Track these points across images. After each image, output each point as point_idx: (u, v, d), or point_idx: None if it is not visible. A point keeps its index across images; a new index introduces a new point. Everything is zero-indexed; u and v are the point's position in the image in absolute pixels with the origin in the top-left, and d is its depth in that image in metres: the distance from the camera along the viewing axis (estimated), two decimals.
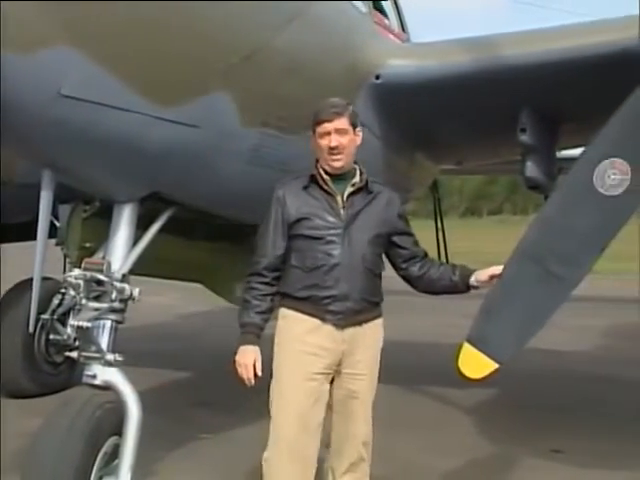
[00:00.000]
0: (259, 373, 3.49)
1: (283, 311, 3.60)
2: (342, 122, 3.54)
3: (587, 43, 5.22)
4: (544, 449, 5.53)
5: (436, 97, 5.77)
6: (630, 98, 3.72)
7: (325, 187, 3.57)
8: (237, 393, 7.14)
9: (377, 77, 5.72)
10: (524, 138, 5.74)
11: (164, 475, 4.90)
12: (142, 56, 3.58)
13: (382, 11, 6.91)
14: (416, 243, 3.81)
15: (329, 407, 3.59)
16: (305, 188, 3.58)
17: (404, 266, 3.78)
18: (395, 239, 3.72)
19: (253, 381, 3.49)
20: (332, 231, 3.50)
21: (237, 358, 3.52)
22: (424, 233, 9.71)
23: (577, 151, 5.60)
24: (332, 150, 3.52)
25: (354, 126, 3.60)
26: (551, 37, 5.69)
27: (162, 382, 7.65)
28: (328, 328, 3.50)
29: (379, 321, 3.70)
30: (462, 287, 3.73)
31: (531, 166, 5.85)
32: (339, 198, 3.56)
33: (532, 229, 3.97)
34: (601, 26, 5.48)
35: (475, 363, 4.22)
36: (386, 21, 6.84)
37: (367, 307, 3.60)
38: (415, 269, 3.76)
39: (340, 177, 3.59)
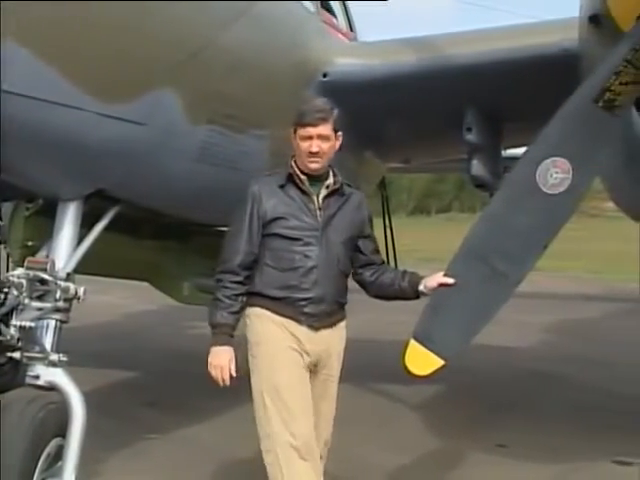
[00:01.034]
0: (234, 374, 3.45)
1: (256, 310, 3.53)
2: (326, 128, 3.52)
3: (530, 44, 5.31)
4: (490, 444, 5.61)
5: (383, 96, 5.80)
6: (570, 98, 3.79)
7: (302, 187, 3.54)
8: (185, 392, 7.20)
9: (324, 75, 5.74)
10: (470, 137, 5.81)
11: (109, 476, 4.85)
12: (87, 53, 3.53)
13: (330, 10, 6.92)
14: (376, 250, 3.80)
15: None
16: (281, 187, 3.54)
17: (359, 271, 3.75)
18: (359, 243, 3.70)
19: (228, 382, 3.45)
20: (309, 232, 3.48)
21: (210, 360, 3.47)
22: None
23: (522, 150, 5.69)
24: (312, 155, 3.49)
25: (335, 131, 3.58)
26: (495, 37, 5.77)
27: (109, 382, 7.57)
28: (304, 330, 3.48)
29: (344, 323, 3.69)
30: (411, 294, 3.72)
31: (477, 165, 5.93)
32: (315, 199, 3.54)
33: (477, 227, 4.01)
34: (543, 27, 5.58)
35: (421, 360, 4.26)
36: (334, 20, 6.85)
37: (338, 309, 3.61)
38: (368, 274, 3.74)
39: (315, 178, 3.57)
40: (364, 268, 3.74)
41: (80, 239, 4.19)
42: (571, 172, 3.74)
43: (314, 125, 3.48)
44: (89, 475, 4.45)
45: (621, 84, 3.66)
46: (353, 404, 6.92)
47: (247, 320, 3.57)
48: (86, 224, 4.26)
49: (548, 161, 3.78)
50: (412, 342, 4.20)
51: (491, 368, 8.55)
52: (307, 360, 3.50)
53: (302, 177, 3.54)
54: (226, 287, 3.50)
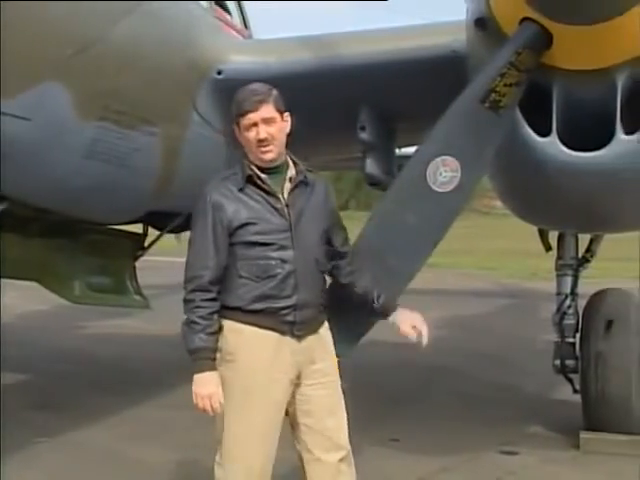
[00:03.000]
0: (222, 401, 3.16)
1: (234, 325, 3.20)
2: (268, 109, 3.20)
3: (421, 45, 5.41)
4: (383, 438, 5.69)
5: None
6: (458, 98, 3.88)
7: (263, 186, 3.20)
8: (76, 394, 7.04)
9: (219, 72, 5.70)
10: (363, 136, 5.87)
11: None
12: None
13: (224, 7, 6.89)
14: (346, 240, 3.50)
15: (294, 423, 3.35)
16: (241, 190, 3.18)
17: (332, 264, 3.43)
18: (331, 235, 3.40)
19: (219, 410, 3.18)
20: (281, 235, 3.18)
21: (195, 389, 3.15)
22: None
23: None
24: (261, 142, 3.17)
25: (280, 111, 3.25)
26: (388, 38, 5.85)
27: None
28: (288, 340, 3.21)
29: (327, 323, 3.42)
30: (380, 316, 3.51)
31: (371, 163, 6.00)
32: (280, 197, 3.21)
33: (370, 224, 4.06)
34: (434, 29, 5.68)
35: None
36: (228, 17, 6.82)
37: (321, 311, 3.34)
38: (342, 274, 3.45)
39: (273, 171, 3.23)
40: (335, 261, 3.43)
41: None
42: (459, 171, 3.82)
43: (254, 110, 3.18)
44: None
45: (505, 85, 3.77)
46: None
47: (220, 336, 3.22)
48: None
49: (437, 160, 3.85)
50: None
51: (387, 363, 8.67)
52: (290, 377, 3.24)
53: (262, 175, 3.20)
54: (199, 307, 3.15)
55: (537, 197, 4.53)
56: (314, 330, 3.29)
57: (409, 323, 3.41)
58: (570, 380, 5.79)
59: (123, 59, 4.49)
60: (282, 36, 6.55)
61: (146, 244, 6.89)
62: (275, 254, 3.16)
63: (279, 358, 3.20)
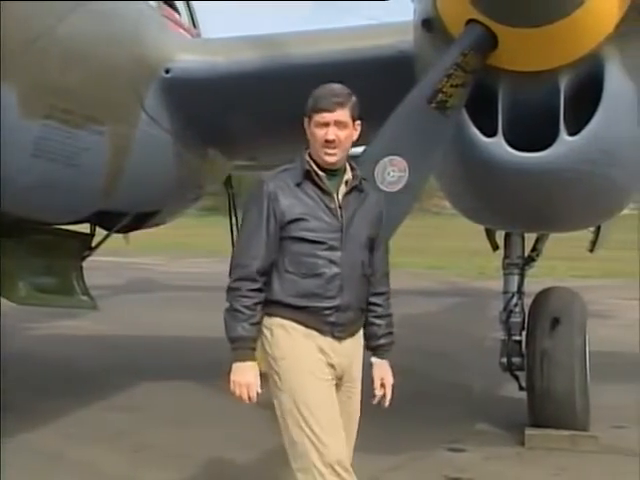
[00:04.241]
0: (259, 390, 3.16)
1: (277, 321, 3.17)
2: (343, 114, 3.16)
3: (369, 45, 5.45)
4: None
5: (226, 93, 5.80)
6: (405, 98, 3.92)
7: (321, 185, 3.17)
8: (23, 397, 6.91)
9: (167, 71, 5.67)
10: None
11: None
12: None
13: (173, 6, 6.84)
14: (381, 257, 3.38)
15: None
16: (298, 185, 3.16)
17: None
18: (373, 244, 3.32)
19: (255, 400, 3.16)
20: (332, 235, 3.15)
21: (234, 377, 3.15)
22: (222, 229, 9.81)
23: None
24: (328, 143, 3.14)
25: (354, 119, 3.22)
26: (336, 38, 5.88)
27: None
28: (328, 341, 3.17)
29: (361, 330, 3.36)
30: (368, 349, 3.42)
31: None
32: (335, 197, 3.19)
33: None
34: (381, 29, 5.72)
35: (263, 357, 4.29)
36: (176, 16, 6.78)
37: (361, 315, 3.30)
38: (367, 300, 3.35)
39: (332, 173, 3.21)
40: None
41: None
42: (407, 170, 3.86)
43: (330, 110, 3.14)
44: None
45: (452, 86, 3.82)
46: (198, 403, 6.91)
47: (266, 332, 3.20)
48: None
49: (385, 160, 3.88)
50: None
51: None
52: (333, 374, 3.21)
53: (320, 174, 3.18)
54: (245, 296, 3.14)
55: (483, 197, 4.59)
56: (353, 333, 3.26)
57: (381, 380, 3.38)
58: (516, 377, 5.88)
59: (69, 57, 4.44)
60: (231, 35, 6.54)
61: (93, 244, 6.82)
62: (324, 253, 3.13)
63: (322, 354, 3.16)
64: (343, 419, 3.22)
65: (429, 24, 4.05)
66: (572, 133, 3.99)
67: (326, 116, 3.14)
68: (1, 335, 7.10)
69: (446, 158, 4.15)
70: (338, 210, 3.17)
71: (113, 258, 18.76)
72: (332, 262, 3.13)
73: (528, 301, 6.09)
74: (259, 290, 3.15)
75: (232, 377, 3.16)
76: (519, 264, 6.18)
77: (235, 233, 9.36)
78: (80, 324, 10.86)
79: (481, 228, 6.77)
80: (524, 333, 5.94)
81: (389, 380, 3.40)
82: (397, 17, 5.33)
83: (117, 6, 5.06)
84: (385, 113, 4.00)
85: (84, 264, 6.77)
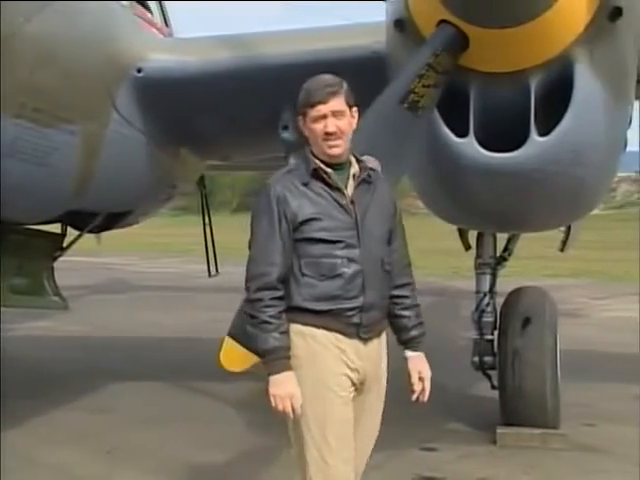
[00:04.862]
0: (300, 402, 2.98)
1: (296, 327, 3.03)
2: (339, 102, 3.03)
3: (342, 45, 5.46)
4: None
5: (198, 92, 5.79)
6: (378, 99, 3.92)
7: (329, 181, 3.04)
8: None
9: (139, 70, 5.65)
10: (286, 135, 5.89)
11: None
12: None
13: (145, 5, 6.82)
14: (400, 247, 3.23)
15: None
16: (306, 184, 3.03)
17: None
18: (391, 238, 3.19)
19: (299, 411, 2.98)
20: (348, 232, 3.01)
21: (272, 391, 2.97)
22: (195, 229, 9.78)
23: None
24: (329, 136, 3.01)
25: (350, 105, 3.09)
26: (309, 38, 5.89)
27: None
28: (354, 343, 3.04)
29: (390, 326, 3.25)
30: (400, 344, 3.28)
31: None
32: (345, 192, 3.06)
33: None
34: (355, 29, 5.74)
35: (236, 356, 4.27)
36: (149, 15, 6.75)
37: (385, 313, 3.16)
38: (391, 293, 3.20)
39: (338, 167, 3.08)
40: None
41: None
42: (380, 170, 3.86)
43: (325, 102, 3.01)
44: None
45: (424, 86, 3.83)
46: (170, 403, 6.89)
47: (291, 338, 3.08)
48: None
49: None
50: (227, 339, 4.21)
51: None
52: (355, 380, 3.08)
53: (328, 170, 3.05)
54: (269, 306, 2.98)
55: (455, 197, 4.61)
56: (379, 333, 3.14)
57: (419, 373, 3.22)
58: (488, 376, 5.91)
59: (39, 56, 4.41)
60: (204, 35, 6.53)
61: (65, 244, 6.77)
62: (341, 252, 3.00)
63: (343, 361, 3.03)
64: (363, 422, 3.14)
65: (401, 25, 4.06)
66: (543, 134, 4.02)
67: (321, 108, 3.02)
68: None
69: (418, 158, 4.16)
70: (350, 206, 3.04)
71: (84, 258, 18.64)
72: (351, 260, 3.00)
73: (500, 300, 6.13)
74: (281, 298, 3.01)
75: (271, 391, 2.99)
76: (491, 264, 6.22)
77: (208, 233, 9.37)
78: (51, 325, 10.79)
79: (454, 228, 6.80)
80: (496, 332, 5.98)
81: (427, 373, 3.24)
82: (370, 17, 5.35)
83: (88, 5, 5.03)
84: (362, 112, 4.00)
85: (55, 264, 6.73)
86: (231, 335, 4.08)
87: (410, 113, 3.88)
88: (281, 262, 3.00)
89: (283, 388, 2.97)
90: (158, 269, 21.63)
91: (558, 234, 8.29)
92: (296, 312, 3.02)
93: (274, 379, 2.98)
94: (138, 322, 11.69)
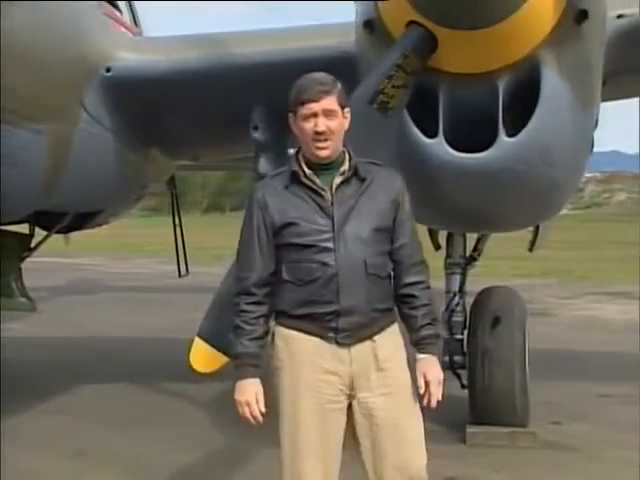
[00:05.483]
0: (262, 409, 2.99)
1: (281, 330, 3.05)
2: (331, 101, 2.96)
3: (312, 45, 5.47)
4: (276, 438, 5.64)
5: (167, 92, 5.77)
6: (347, 99, 3.92)
7: (308, 183, 2.99)
8: None
9: (108, 70, 5.62)
10: (256, 135, 5.89)
11: None
12: None
13: (114, 5, 6.77)
14: (408, 245, 3.10)
15: (356, 442, 3.07)
16: (287, 187, 3.01)
17: (390, 267, 3.11)
18: (392, 234, 3.08)
19: (261, 419, 2.99)
20: (325, 235, 2.95)
21: (235, 396, 3.00)
22: (166, 229, 9.73)
23: None
24: (318, 135, 2.94)
25: (342, 106, 3.02)
26: (279, 38, 5.89)
27: None
28: (332, 348, 2.98)
29: (395, 327, 3.10)
30: (413, 344, 3.14)
31: (264, 163, 6.01)
32: (327, 194, 2.98)
33: None
34: (325, 29, 5.75)
35: (206, 357, 4.28)
36: (118, 14, 6.71)
37: (378, 317, 3.03)
38: (396, 284, 3.11)
39: (327, 167, 3.01)
40: (394, 265, 3.10)
41: None
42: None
43: (316, 100, 2.93)
44: None
45: (393, 87, 3.84)
46: (142, 404, 6.85)
47: (270, 340, 3.08)
48: None
49: None
50: (197, 340, 4.22)
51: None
52: (339, 385, 3.00)
53: (307, 171, 2.99)
54: (243, 311, 3.00)
55: (424, 197, 4.60)
56: (366, 338, 3.01)
57: (423, 377, 3.05)
58: (458, 376, 5.94)
59: (5, 55, 4.36)
60: (173, 35, 6.50)
61: (33, 245, 6.71)
62: (316, 257, 2.94)
63: (324, 366, 2.99)
64: (371, 434, 3.02)
65: (371, 25, 4.07)
66: (511, 134, 4.06)
67: (313, 106, 2.94)
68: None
69: (388, 159, 4.17)
70: (330, 208, 2.97)
71: (53, 259, 18.50)
72: (325, 265, 2.94)
73: (470, 300, 6.16)
74: (258, 303, 3.01)
75: (234, 396, 3.02)
76: (461, 264, 6.26)
77: (179, 233, 9.33)
78: (19, 326, 10.67)
79: (424, 228, 6.83)
80: (466, 332, 6.02)
81: (433, 377, 3.04)
82: (339, 18, 5.36)
83: (56, 4, 4.99)
84: None
85: (23, 265, 6.66)
86: (200, 336, 4.10)
87: (379, 114, 3.89)
88: (259, 267, 3.00)
89: (242, 395, 2.99)
90: (128, 269, 21.51)
91: (527, 234, 8.35)
92: (281, 316, 3.04)
93: (237, 385, 3.01)
94: (108, 323, 11.62)
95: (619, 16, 4.69)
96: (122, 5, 7.04)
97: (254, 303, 3.01)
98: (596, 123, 4.70)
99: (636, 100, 6.91)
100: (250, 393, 2.98)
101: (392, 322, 3.09)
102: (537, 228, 7.57)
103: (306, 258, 2.96)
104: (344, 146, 3.07)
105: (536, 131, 4.04)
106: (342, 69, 4.80)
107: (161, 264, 20.21)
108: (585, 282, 18.03)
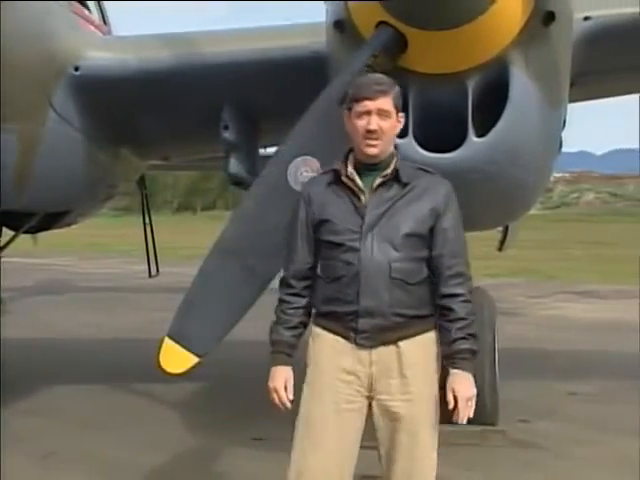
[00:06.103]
0: (291, 397, 3.04)
1: (312, 327, 3.12)
2: (386, 102, 2.97)
3: (282, 45, 5.46)
4: (246, 438, 5.69)
5: (136, 92, 5.74)
6: (317, 99, 3.94)
7: (347, 182, 3.02)
8: None
9: (76, 69, 5.57)
10: (227, 135, 5.87)
11: None
12: None
13: (83, 3, 6.72)
14: (450, 255, 3.02)
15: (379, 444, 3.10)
16: (329, 185, 3.06)
17: (424, 274, 3.04)
18: (430, 242, 3.03)
19: (289, 405, 3.03)
20: (354, 235, 2.97)
21: (269, 383, 3.07)
22: (136, 229, 9.67)
23: None
24: (369, 134, 2.96)
25: (397, 109, 3.03)
26: (250, 37, 5.88)
27: None
28: (353, 348, 3.00)
29: (428, 335, 3.04)
30: (444, 361, 3.09)
31: (234, 163, 6.00)
32: (364, 195, 3.00)
33: (231, 224, 4.06)
34: (295, 29, 5.75)
35: (176, 358, 4.25)
36: (87, 13, 6.66)
37: (404, 322, 2.98)
38: (436, 293, 3.05)
39: (373, 167, 3.02)
40: (433, 272, 3.05)
41: None
42: (320, 171, 3.87)
43: (372, 98, 2.95)
44: None
45: None
46: (110, 405, 6.81)
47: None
48: None
49: (299, 160, 3.90)
50: (166, 340, 4.19)
51: (248, 362, 8.66)
52: (357, 386, 3.02)
53: (349, 170, 3.02)
54: (282, 301, 3.12)
55: None
56: (391, 342, 3.00)
57: (453, 393, 3.01)
58: None
59: None
60: (142, 33, 6.47)
61: (0, 245, 6.65)
62: (343, 256, 2.99)
63: (343, 366, 3.01)
64: (389, 436, 3.04)
65: (341, 26, 4.08)
66: (481, 135, 4.09)
67: (368, 104, 2.97)
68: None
69: None
70: (364, 209, 2.99)
71: (22, 259, 18.30)
72: (350, 264, 2.97)
73: None
74: (296, 295, 3.11)
75: (268, 383, 3.09)
76: None
77: (149, 233, 9.28)
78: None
79: None
80: None
81: (462, 393, 3.01)
82: (310, 18, 5.37)
83: (24, 2, 4.94)
84: (299, 113, 4.01)
85: None
86: (170, 336, 4.07)
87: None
88: (298, 259, 3.10)
89: (272, 381, 3.06)
90: (98, 269, 21.36)
91: (496, 234, 8.42)
92: (315, 313, 3.13)
93: (271, 372, 3.09)
94: (77, 323, 11.53)
95: (586, 18, 4.75)
96: (91, 4, 6.99)
97: (292, 294, 3.11)
98: (564, 123, 4.75)
99: (603, 101, 7.01)
100: (280, 380, 3.05)
101: (426, 330, 3.05)
102: (506, 228, 7.65)
103: (336, 256, 3.01)
104: (395, 149, 3.08)
105: (505, 131, 4.08)
106: (313, 69, 4.86)
107: (131, 264, 20.08)
108: (553, 281, 18.21)
